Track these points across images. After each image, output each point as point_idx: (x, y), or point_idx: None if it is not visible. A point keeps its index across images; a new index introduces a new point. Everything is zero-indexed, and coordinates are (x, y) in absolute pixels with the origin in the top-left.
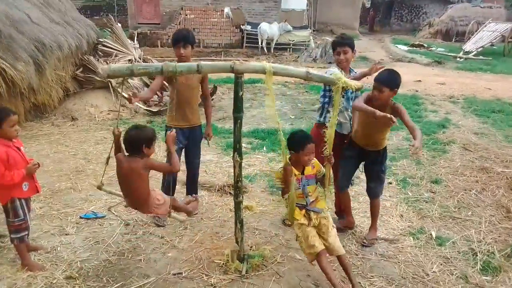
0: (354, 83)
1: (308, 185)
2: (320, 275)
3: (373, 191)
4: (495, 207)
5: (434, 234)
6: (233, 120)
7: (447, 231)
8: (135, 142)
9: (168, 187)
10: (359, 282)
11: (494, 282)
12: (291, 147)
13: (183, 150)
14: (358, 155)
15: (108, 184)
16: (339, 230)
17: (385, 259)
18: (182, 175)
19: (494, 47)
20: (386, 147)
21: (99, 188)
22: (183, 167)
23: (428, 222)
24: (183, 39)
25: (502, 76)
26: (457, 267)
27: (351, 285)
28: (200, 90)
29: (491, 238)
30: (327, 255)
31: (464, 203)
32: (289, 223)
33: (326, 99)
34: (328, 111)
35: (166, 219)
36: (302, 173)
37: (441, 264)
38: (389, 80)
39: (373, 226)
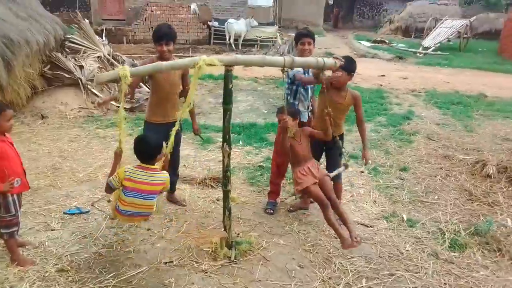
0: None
1: None
2: (303, 258)
3: (336, 176)
4: (459, 191)
5: (405, 217)
6: (222, 111)
7: (417, 214)
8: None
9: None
10: (340, 263)
11: (461, 257)
12: None
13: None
14: (319, 141)
15: (88, 180)
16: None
17: (363, 241)
18: None
19: (451, 42)
20: (343, 133)
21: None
22: None
23: (399, 206)
24: (165, 37)
25: (459, 70)
26: (427, 245)
27: None
28: (181, 86)
29: (456, 219)
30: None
31: (430, 188)
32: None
33: (288, 91)
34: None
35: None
36: None
37: (413, 244)
38: (345, 64)
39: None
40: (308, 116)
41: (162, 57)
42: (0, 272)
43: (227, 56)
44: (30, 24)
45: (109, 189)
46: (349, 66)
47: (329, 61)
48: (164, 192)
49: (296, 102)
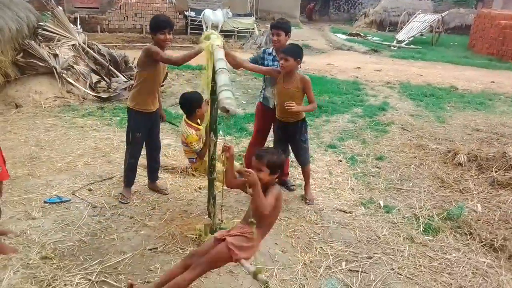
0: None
1: None
2: (286, 243)
3: (300, 160)
4: (432, 178)
5: (382, 204)
6: (210, 102)
7: (393, 200)
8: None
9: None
10: (321, 247)
11: (435, 241)
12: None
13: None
14: (280, 127)
15: (67, 169)
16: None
17: (342, 226)
18: (142, 159)
19: (424, 36)
20: (305, 119)
21: None
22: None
23: (376, 193)
24: (169, 25)
25: (431, 63)
26: (403, 230)
27: None
28: None
29: (430, 205)
30: None
31: (405, 176)
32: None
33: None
34: (262, 91)
35: (130, 197)
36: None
37: (390, 228)
38: (293, 51)
39: (307, 187)
40: (274, 104)
41: (163, 46)
42: None
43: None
44: (2, 11)
45: None
46: (295, 52)
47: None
48: (146, 181)
49: (263, 87)
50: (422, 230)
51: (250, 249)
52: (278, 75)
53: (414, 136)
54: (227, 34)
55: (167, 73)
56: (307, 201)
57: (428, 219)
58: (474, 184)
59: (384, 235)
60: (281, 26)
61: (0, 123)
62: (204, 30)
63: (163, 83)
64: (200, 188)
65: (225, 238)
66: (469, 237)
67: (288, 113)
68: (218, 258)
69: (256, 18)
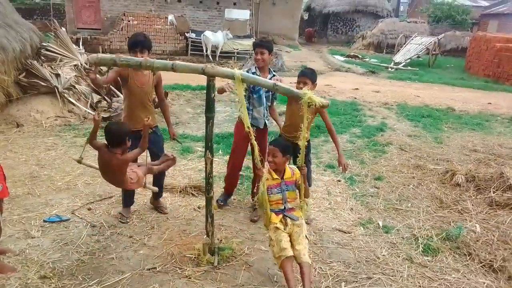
0: (319, 100)
1: (287, 190)
2: None
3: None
4: (430, 198)
5: (381, 224)
6: (205, 119)
7: (392, 220)
8: (119, 136)
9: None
10: (320, 267)
11: (434, 261)
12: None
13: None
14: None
15: (67, 188)
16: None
17: (341, 246)
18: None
19: (420, 58)
20: (309, 140)
21: (79, 161)
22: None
23: (375, 213)
24: (140, 44)
25: (428, 85)
26: (402, 250)
27: None
28: (155, 94)
29: (429, 225)
30: (293, 261)
31: (404, 196)
32: (255, 219)
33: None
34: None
35: (129, 216)
36: (282, 178)
37: (389, 248)
38: (311, 74)
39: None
40: (264, 124)
41: None
42: None
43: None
44: (7, 32)
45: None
46: (314, 76)
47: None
48: (145, 200)
49: (251, 108)
50: (421, 250)
51: None
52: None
53: (412, 157)
54: (227, 55)
55: (167, 93)
56: (306, 220)
57: (427, 240)
58: (472, 205)
59: (383, 255)
60: (265, 45)
61: (1, 142)
62: (204, 51)
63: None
64: (199, 207)
65: None
66: (468, 258)
67: (298, 132)
68: None
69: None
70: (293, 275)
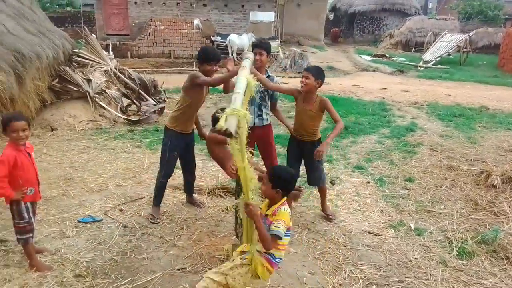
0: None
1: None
2: (314, 266)
3: (315, 180)
4: (464, 200)
5: (412, 226)
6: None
7: (424, 223)
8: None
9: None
10: (350, 270)
11: (469, 265)
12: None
13: (180, 155)
14: (297, 146)
15: (100, 190)
16: None
17: (371, 249)
18: (171, 180)
19: (451, 56)
20: (320, 139)
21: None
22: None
23: (406, 215)
24: (217, 57)
25: (459, 83)
26: (435, 253)
27: None
28: None
29: (463, 228)
30: None
31: (436, 198)
32: None
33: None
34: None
35: (159, 217)
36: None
37: (421, 252)
38: (315, 70)
39: (325, 204)
40: (254, 123)
41: (211, 75)
42: (19, 277)
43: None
44: (41, 39)
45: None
46: (317, 72)
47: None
48: (174, 201)
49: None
50: (456, 254)
51: None
52: (299, 95)
53: (444, 157)
54: None
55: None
56: (330, 216)
57: (462, 243)
58: (510, 207)
59: (415, 258)
60: (264, 46)
61: (37, 146)
62: (230, 54)
63: None
64: (227, 209)
65: None
66: (505, 262)
67: (306, 131)
68: None
69: (280, 42)
70: None
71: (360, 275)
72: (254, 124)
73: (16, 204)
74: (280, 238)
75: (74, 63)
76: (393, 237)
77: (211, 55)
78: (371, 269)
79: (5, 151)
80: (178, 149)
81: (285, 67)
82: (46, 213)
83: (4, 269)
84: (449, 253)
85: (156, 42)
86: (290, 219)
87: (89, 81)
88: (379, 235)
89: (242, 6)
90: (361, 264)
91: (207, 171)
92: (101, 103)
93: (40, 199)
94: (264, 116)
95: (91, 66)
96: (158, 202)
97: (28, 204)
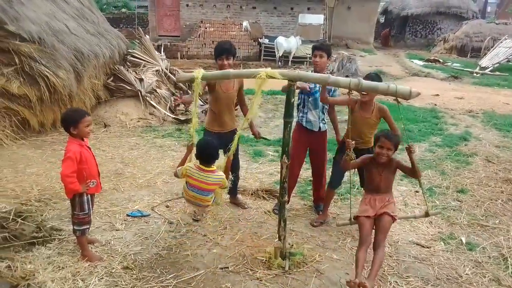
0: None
1: None
2: None
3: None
4: None
5: (464, 240)
6: (283, 124)
7: (476, 237)
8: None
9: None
10: (396, 281)
11: None
12: None
13: None
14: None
15: (148, 185)
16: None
17: (418, 261)
18: None
19: (511, 63)
20: (372, 147)
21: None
22: None
23: (457, 229)
24: (226, 52)
25: None
26: (488, 270)
27: None
28: (237, 99)
29: None
30: None
31: (491, 212)
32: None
33: (299, 101)
34: (300, 111)
35: (201, 215)
36: None
37: (473, 267)
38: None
39: (325, 210)
40: (319, 127)
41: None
42: (72, 265)
43: (290, 71)
44: (99, 39)
45: (176, 176)
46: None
47: (404, 89)
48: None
49: (305, 111)
50: (511, 272)
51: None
52: (355, 104)
53: (500, 169)
54: (299, 60)
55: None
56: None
57: None
58: None
59: (466, 274)
60: (325, 48)
61: (91, 141)
62: (277, 56)
63: (235, 108)
64: (269, 211)
65: (385, 212)
66: None
67: (363, 139)
68: (389, 226)
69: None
70: None
71: (406, 287)
72: (320, 128)
73: (79, 196)
74: None
75: (128, 63)
76: (442, 250)
77: (217, 51)
78: (418, 282)
79: (70, 147)
80: None
81: (333, 70)
82: (98, 205)
83: (58, 257)
84: (503, 271)
85: (205, 44)
86: None
87: (141, 80)
88: (428, 247)
89: (291, 8)
90: (407, 276)
91: (251, 172)
92: (151, 102)
93: (100, 190)
94: (326, 121)
95: (144, 66)
96: None
97: (89, 196)
